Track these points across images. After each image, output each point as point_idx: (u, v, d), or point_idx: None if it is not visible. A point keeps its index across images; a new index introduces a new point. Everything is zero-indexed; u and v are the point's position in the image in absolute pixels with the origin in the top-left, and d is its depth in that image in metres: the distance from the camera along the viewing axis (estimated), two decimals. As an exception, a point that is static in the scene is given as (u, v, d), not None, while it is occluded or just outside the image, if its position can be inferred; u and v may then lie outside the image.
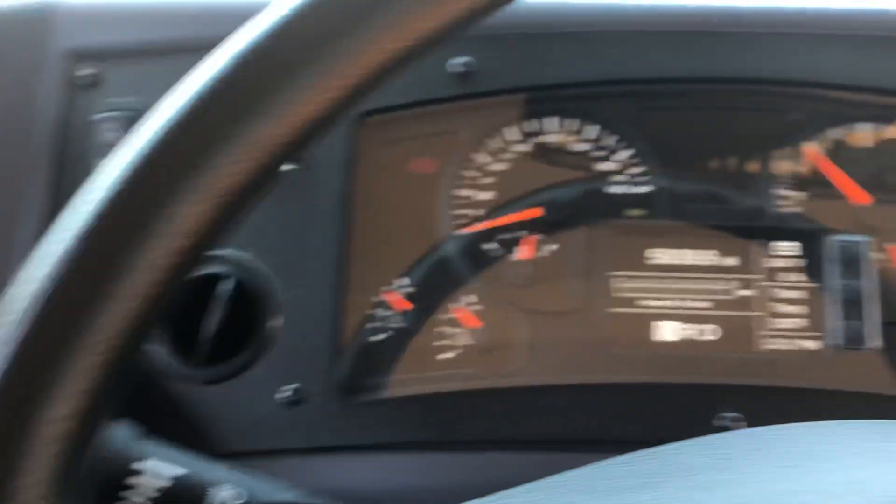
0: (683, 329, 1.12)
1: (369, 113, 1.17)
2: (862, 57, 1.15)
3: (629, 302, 1.13)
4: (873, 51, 1.14)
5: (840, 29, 1.16)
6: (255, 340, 1.11)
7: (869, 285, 1.08)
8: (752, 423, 1.01)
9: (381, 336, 1.15)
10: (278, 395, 1.09)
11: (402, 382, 1.13)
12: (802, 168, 1.17)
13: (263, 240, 1.13)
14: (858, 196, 1.14)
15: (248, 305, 1.12)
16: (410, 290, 1.16)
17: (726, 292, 1.13)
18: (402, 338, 1.15)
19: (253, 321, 1.12)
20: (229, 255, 1.13)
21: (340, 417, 1.09)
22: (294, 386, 1.09)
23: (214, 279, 1.10)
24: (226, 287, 1.10)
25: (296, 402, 1.09)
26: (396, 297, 1.16)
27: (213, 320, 1.08)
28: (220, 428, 1.11)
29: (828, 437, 0.62)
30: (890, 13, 1.18)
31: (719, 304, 1.12)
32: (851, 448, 0.58)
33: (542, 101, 1.20)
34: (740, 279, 1.13)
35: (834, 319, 1.09)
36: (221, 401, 1.11)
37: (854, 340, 1.07)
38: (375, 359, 1.14)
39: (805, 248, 1.13)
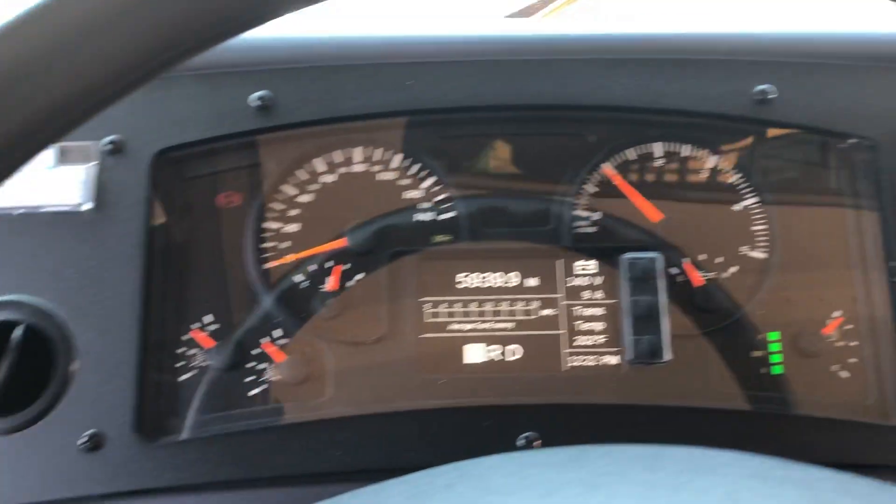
0: (489, 351, 1.14)
1: (166, 150, 1.15)
2: (649, 80, 1.19)
3: (438, 326, 1.14)
4: (659, 73, 1.19)
5: (628, 53, 1.20)
6: (52, 386, 1.08)
7: (658, 300, 1.11)
8: (551, 441, 1.03)
9: (186, 375, 1.13)
10: (78, 441, 1.06)
11: (208, 422, 1.11)
12: (599, 188, 1.20)
13: (59, 283, 1.11)
14: (651, 214, 1.18)
15: (44, 351, 1.09)
16: (215, 327, 1.15)
17: (529, 312, 1.15)
18: (207, 376, 1.13)
19: (49, 367, 1.09)
20: (21, 300, 1.10)
21: (141, 461, 1.07)
22: (91, 431, 1.06)
23: (4, 326, 1.07)
24: (16, 335, 1.07)
25: (94, 447, 1.06)
26: (202, 334, 1.14)
27: (2, 370, 1.05)
28: (18, 479, 1.07)
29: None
30: (676, 36, 1.22)
31: (523, 325, 1.14)
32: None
33: (344, 132, 1.20)
34: (542, 299, 1.15)
35: (627, 335, 1.12)
36: (19, 451, 1.07)
37: (645, 355, 1.10)
38: (180, 399, 1.12)
39: (602, 266, 1.16)
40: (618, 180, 1.19)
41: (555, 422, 1.08)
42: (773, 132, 1.20)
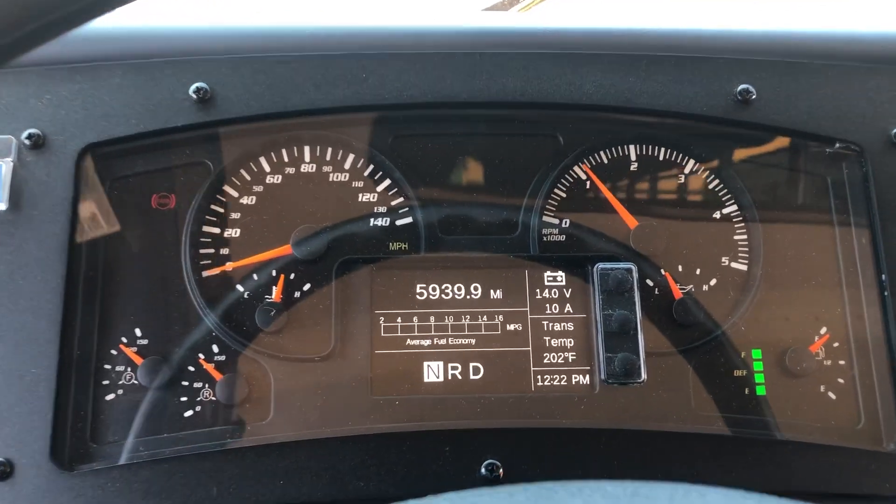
0: (450, 369, 1.03)
1: (94, 146, 1.04)
2: (623, 77, 1.10)
3: (393, 342, 1.04)
4: (634, 70, 1.10)
5: (601, 48, 1.12)
6: (-43, 409, 0.96)
7: (634, 315, 1.02)
8: (515, 469, 0.93)
9: (112, 395, 1.01)
10: (-15, 471, 0.94)
11: (135, 447, 1.00)
12: (569, 193, 1.11)
13: (-34, 292, 0.99)
14: (627, 220, 1.09)
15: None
16: (146, 342, 1.03)
17: (493, 327, 1.05)
18: (136, 396, 1.01)
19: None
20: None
21: (56, 492, 0.95)
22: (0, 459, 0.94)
23: None
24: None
25: (2, 476, 0.94)
26: (130, 350, 1.03)
27: None
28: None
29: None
30: (652, 32, 1.14)
31: (486, 341, 1.04)
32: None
33: (292, 128, 1.10)
34: (507, 312, 1.05)
35: (600, 353, 1.02)
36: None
37: (618, 374, 1.01)
38: (103, 422, 1.00)
39: (572, 278, 1.07)
40: (597, 181, 1.09)
41: (520, 448, 0.98)
42: (754, 135, 1.11)
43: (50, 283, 1.00)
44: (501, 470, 0.96)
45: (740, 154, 1.12)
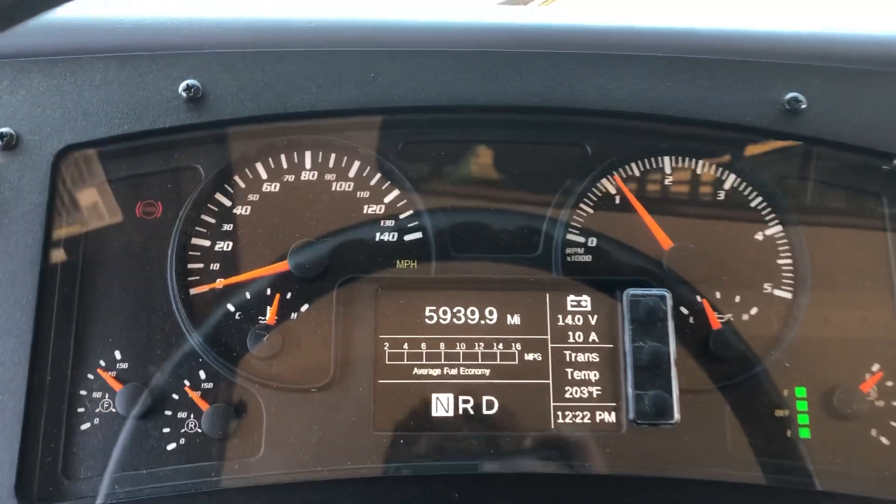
0: (462, 402, 0.94)
1: (73, 147, 0.94)
2: (660, 81, 0.99)
3: (399, 371, 0.94)
4: (672, 74, 0.99)
5: (636, 49, 1.01)
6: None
7: (667, 348, 0.91)
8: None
9: (87, 425, 0.91)
10: (-57, 508, 0.84)
11: (112, 483, 0.90)
12: (597, 208, 1.00)
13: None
14: (662, 240, 0.98)
15: None
16: (125, 365, 0.93)
17: (509, 357, 0.94)
18: (112, 426, 0.92)
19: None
20: None
21: (22, 534, 0.85)
22: (-42, 496, 0.84)
23: None
24: None
25: (-40, 517, 0.84)
26: (108, 375, 0.93)
27: None
28: None
29: None
30: (692, 32, 1.03)
31: (501, 371, 0.94)
32: None
33: (291, 132, 1.00)
34: (525, 340, 0.95)
35: (629, 389, 0.92)
36: None
37: (649, 414, 0.90)
38: (77, 454, 0.90)
39: (599, 303, 0.96)
40: (629, 196, 0.99)
41: (538, 496, 0.88)
42: (803, 148, 1.00)
43: (20, 299, 0.91)
44: (514, 521, 0.86)
45: (787, 169, 1.01)
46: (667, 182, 1.01)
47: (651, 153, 1.02)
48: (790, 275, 0.99)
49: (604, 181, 1.01)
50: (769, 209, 1.01)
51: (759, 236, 1.00)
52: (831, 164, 1.02)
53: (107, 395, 0.93)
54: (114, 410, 0.92)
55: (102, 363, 0.93)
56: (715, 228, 1.00)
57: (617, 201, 1.00)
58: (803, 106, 0.98)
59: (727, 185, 1.02)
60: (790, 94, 0.98)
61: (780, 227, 1.00)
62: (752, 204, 1.01)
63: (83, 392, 0.93)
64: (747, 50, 1.03)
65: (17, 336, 0.89)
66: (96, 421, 0.92)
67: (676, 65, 1.00)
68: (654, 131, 1.01)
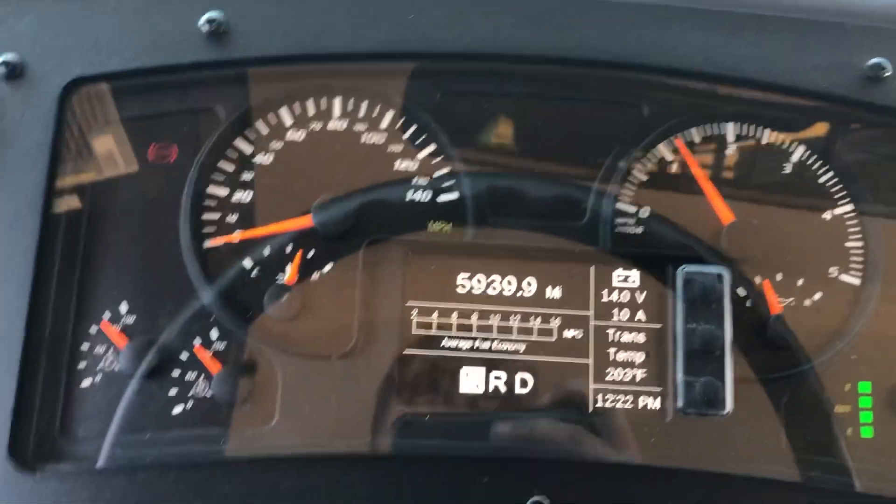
0: (492, 378, 0.85)
1: (82, 80, 0.86)
2: (727, 39, 0.90)
3: (427, 341, 0.87)
4: (741, 32, 0.90)
5: (702, 2, 0.91)
6: None
7: (722, 332, 0.83)
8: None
9: (88, 382, 0.85)
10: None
11: (113, 446, 0.83)
12: (651, 177, 0.92)
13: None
14: (721, 214, 0.89)
15: None
16: (132, 319, 0.86)
17: (547, 332, 0.87)
18: (115, 385, 0.85)
19: None
20: None
21: (14, 496, 0.78)
22: (-54, 453, 0.78)
23: None
24: None
25: (-51, 474, 0.77)
26: (113, 329, 0.85)
27: None
28: None
29: None
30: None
31: (538, 347, 0.87)
32: None
33: (321, 75, 0.91)
34: (565, 316, 0.87)
35: (678, 374, 0.84)
36: None
37: (699, 403, 0.82)
38: (76, 413, 0.84)
39: (648, 280, 0.88)
40: (691, 163, 0.90)
41: (573, 484, 0.81)
42: (884, 120, 0.91)
43: (20, 243, 0.84)
44: (547, 510, 0.79)
45: (862, 144, 0.92)
46: (729, 151, 0.93)
47: (714, 118, 0.93)
48: (860, 260, 0.90)
49: (660, 147, 0.92)
50: (840, 187, 0.92)
51: (826, 216, 0.91)
52: (914, 139, 0.92)
53: (110, 351, 0.86)
54: (117, 368, 0.85)
55: (107, 316, 0.86)
56: (779, 204, 0.92)
57: (674, 169, 0.92)
58: (887, 73, 0.89)
59: (795, 158, 0.93)
60: (873, 60, 0.89)
61: (851, 207, 0.91)
62: (822, 180, 0.92)
63: (85, 346, 0.86)
64: (826, 9, 0.93)
65: (15, 283, 0.82)
66: (98, 378, 0.86)
67: (746, 22, 0.91)
68: (718, 94, 0.92)
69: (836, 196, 0.92)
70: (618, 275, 0.89)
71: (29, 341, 0.82)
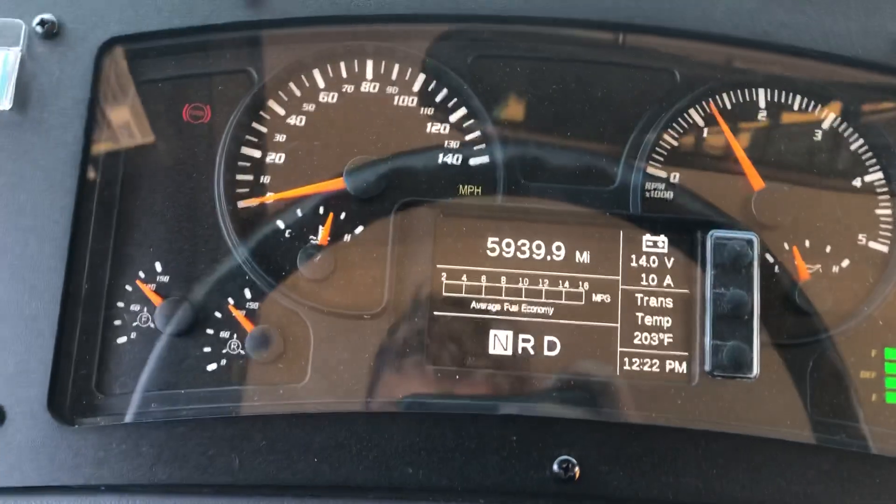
0: (521, 341, 0.86)
1: (118, 40, 0.86)
2: (760, 3, 0.89)
3: (456, 303, 0.88)
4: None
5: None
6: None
7: (751, 297, 0.84)
8: (593, 469, 0.77)
9: (124, 338, 0.86)
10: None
11: (147, 402, 0.85)
12: (681, 142, 0.92)
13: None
14: (752, 180, 0.90)
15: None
16: (167, 278, 0.87)
17: (576, 296, 0.87)
18: (150, 342, 0.86)
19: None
20: None
21: (52, 448, 0.81)
22: (-11, 404, 0.80)
23: None
24: None
25: (-8, 423, 0.80)
26: (148, 287, 0.87)
27: None
28: None
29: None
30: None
31: (566, 311, 0.88)
32: None
33: (354, 37, 0.91)
34: (594, 280, 0.88)
35: (706, 338, 0.85)
36: None
37: (726, 366, 0.83)
38: (112, 369, 0.85)
39: (677, 245, 0.88)
40: (724, 128, 0.90)
41: (601, 444, 0.82)
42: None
43: (58, 201, 0.85)
44: (577, 469, 0.80)
45: (895, 110, 0.92)
46: (760, 117, 0.92)
47: (745, 84, 0.93)
48: (889, 227, 0.90)
49: (691, 111, 0.92)
50: (871, 154, 0.92)
51: (856, 182, 0.91)
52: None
53: (145, 309, 0.87)
54: (152, 325, 0.87)
55: (142, 274, 0.87)
56: (809, 171, 0.92)
57: (705, 134, 0.92)
58: (920, 40, 0.88)
59: (826, 125, 0.93)
60: (906, 26, 0.89)
61: (881, 175, 0.91)
62: (853, 147, 0.92)
63: (120, 304, 0.87)
64: (861, -25, 0.92)
65: (54, 241, 0.84)
66: (133, 335, 0.87)
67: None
68: (750, 59, 0.92)
69: (866, 163, 0.92)
70: (647, 239, 0.89)
71: (66, 298, 0.84)
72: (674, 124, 0.92)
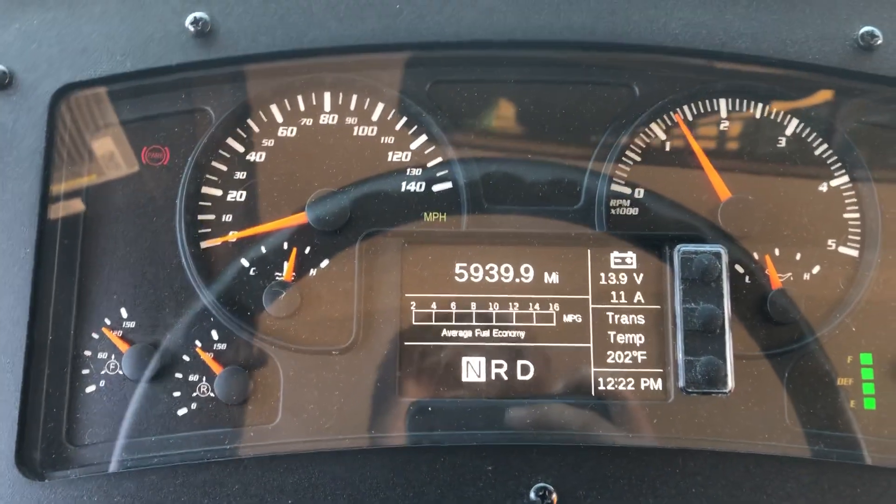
0: (495, 367, 0.86)
1: (72, 87, 0.86)
2: (717, 14, 0.89)
3: (427, 332, 0.87)
4: (731, 6, 0.89)
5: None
6: None
7: (722, 310, 0.83)
8: (567, 495, 0.76)
9: (92, 388, 0.85)
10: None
11: (117, 451, 0.84)
12: (644, 156, 0.91)
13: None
14: (717, 190, 0.89)
15: None
16: (132, 324, 0.86)
17: (547, 318, 0.86)
18: (119, 390, 0.85)
19: None
20: None
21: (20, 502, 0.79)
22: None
23: None
24: None
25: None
26: (114, 334, 0.86)
27: None
28: None
29: None
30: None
31: (538, 334, 0.86)
32: None
33: (310, 70, 0.91)
34: (564, 300, 0.87)
35: (678, 354, 0.84)
36: None
37: (700, 382, 0.82)
38: (80, 420, 0.84)
39: (646, 261, 0.88)
40: (690, 139, 0.89)
41: (578, 469, 0.82)
42: (876, 90, 0.90)
43: (18, 252, 0.84)
44: (554, 496, 0.79)
45: (857, 113, 0.91)
46: (722, 127, 0.92)
47: (705, 95, 0.92)
48: (857, 231, 0.90)
49: (653, 126, 0.91)
50: (835, 158, 0.91)
51: (822, 188, 0.91)
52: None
53: (113, 357, 0.86)
54: (120, 372, 0.86)
55: (108, 321, 0.87)
56: (774, 179, 0.91)
57: (667, 148, 0.91)
58: (879, 42, 0.88)
59: (789, 132, 0.92)
60: (864, 29, 0.89)
61: (847, 179, 0.91)
62: (817, 152, 0.92)
63: (87, 352, 0.86)
64: (815, -21, 0.92)
65: (15, 292, 0.83)
66: (102, 384, 0.86)
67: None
68: (709, 70, 0.92)
69: (831, 167, 0.91)
70: (615, 257, 0.88)
71: (31, 349, 0.83)
72: (636, 140, 0.91)
